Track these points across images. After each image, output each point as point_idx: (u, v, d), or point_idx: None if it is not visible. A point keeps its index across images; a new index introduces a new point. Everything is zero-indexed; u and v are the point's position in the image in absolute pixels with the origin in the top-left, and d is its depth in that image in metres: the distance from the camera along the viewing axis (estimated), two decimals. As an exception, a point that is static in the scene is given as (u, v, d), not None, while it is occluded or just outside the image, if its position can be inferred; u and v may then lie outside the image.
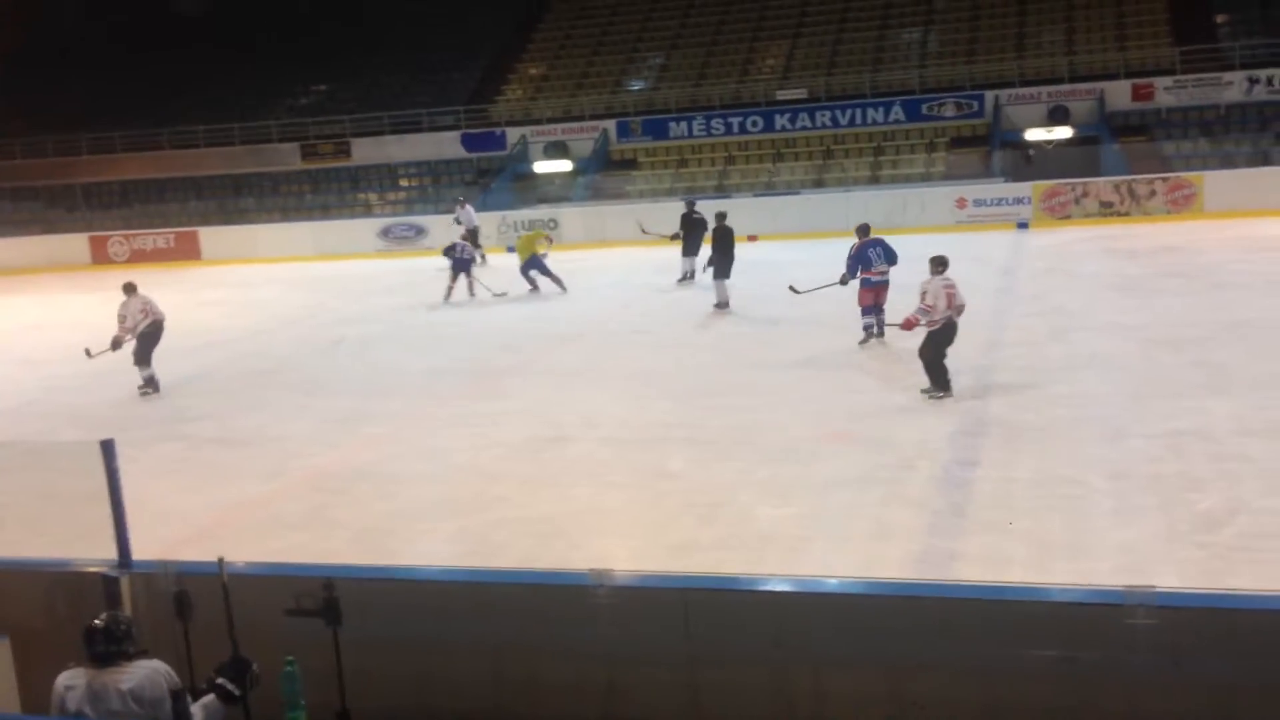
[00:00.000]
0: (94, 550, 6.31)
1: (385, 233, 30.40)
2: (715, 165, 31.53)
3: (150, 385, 14.65)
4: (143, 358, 14.63)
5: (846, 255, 14.94)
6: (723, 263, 18.09)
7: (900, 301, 13.56)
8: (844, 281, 14.81)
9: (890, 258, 14.66)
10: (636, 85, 34.64)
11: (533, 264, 20.88)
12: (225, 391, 14.90)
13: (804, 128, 31.58)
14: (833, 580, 6.08)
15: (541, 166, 32.72)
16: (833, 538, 8.37)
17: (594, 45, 36.61)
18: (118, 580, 5.95)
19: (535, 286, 20.97)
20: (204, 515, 9.79)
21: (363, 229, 30.51)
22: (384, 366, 15.84)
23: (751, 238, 25.11)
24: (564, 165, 32.44)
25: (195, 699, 4.74)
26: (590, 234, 27.97)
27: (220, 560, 5.46)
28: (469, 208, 27.21)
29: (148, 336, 14.65)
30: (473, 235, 26.35)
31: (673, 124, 32.52)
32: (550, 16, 38.14)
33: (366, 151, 34.46)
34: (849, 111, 31.32)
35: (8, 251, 31.88)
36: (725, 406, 12.23)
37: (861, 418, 11.39)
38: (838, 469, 9.81)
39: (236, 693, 4.73)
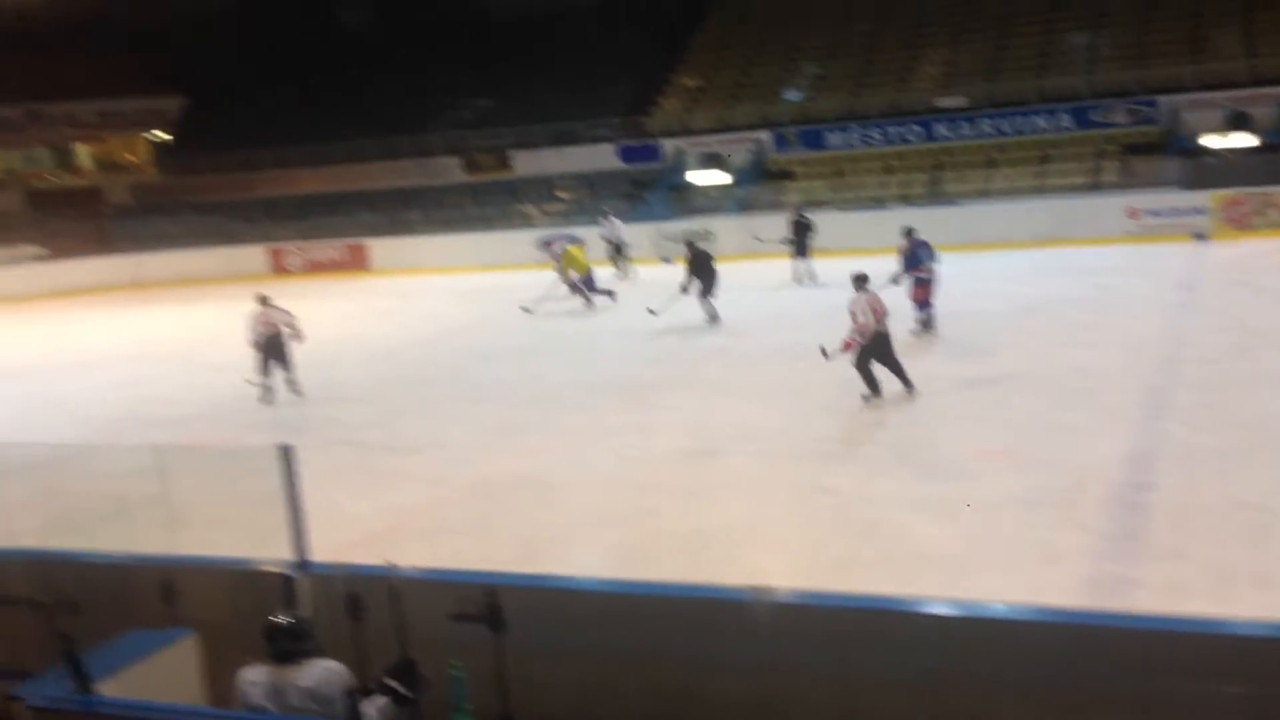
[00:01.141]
0: (273, 551, 6.59)
1: (544, 244, 30.93)
2: (873, 175, 31.10)
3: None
4: (265, 367, 15.32)
5: (899, 257, 16.45)
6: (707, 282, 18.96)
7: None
8: (896, 281, 16.11)
9: (935, 256, 16.35)
10: (793, 96, 34.43)
11: (590, 278, 22.01)
12: (393, 399, 15.39)
13: (965, 136, 30.86)
14: (998, 605, 5.91)
15: (697, 178, 32.82)
16: (997, 560, 8.14)
17: (750, 56, 36.55)
18: (295, 581, 6.19)
19: (590, 301, 21.95)
20: (373, 519, 10.13)
21: (522, 240, 31.13)
22: (542, 377, 16.12)
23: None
24: (720, 177, 32.47)
25: (366, 699, 4.90)
26: (745, 246, 27.89)
27: (389, 564, 5.65)
28: (615, 220, 27.47)
29: (269, 347, 15.28)
30: (619, 248, 26.70)
31: (830, 134, 32.19)
32: (706, 28, 38.25)
33: (526, 164, 35.17)
34: (1013, 119, 30.47)
35: (194, 262, 33.62)
36: (882, 421, 12.05)
37: (1027, 436, 11.06)
38: (1001, 488, 9.55)
39: (409, 694, 4.87)
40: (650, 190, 32.82)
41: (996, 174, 29.93)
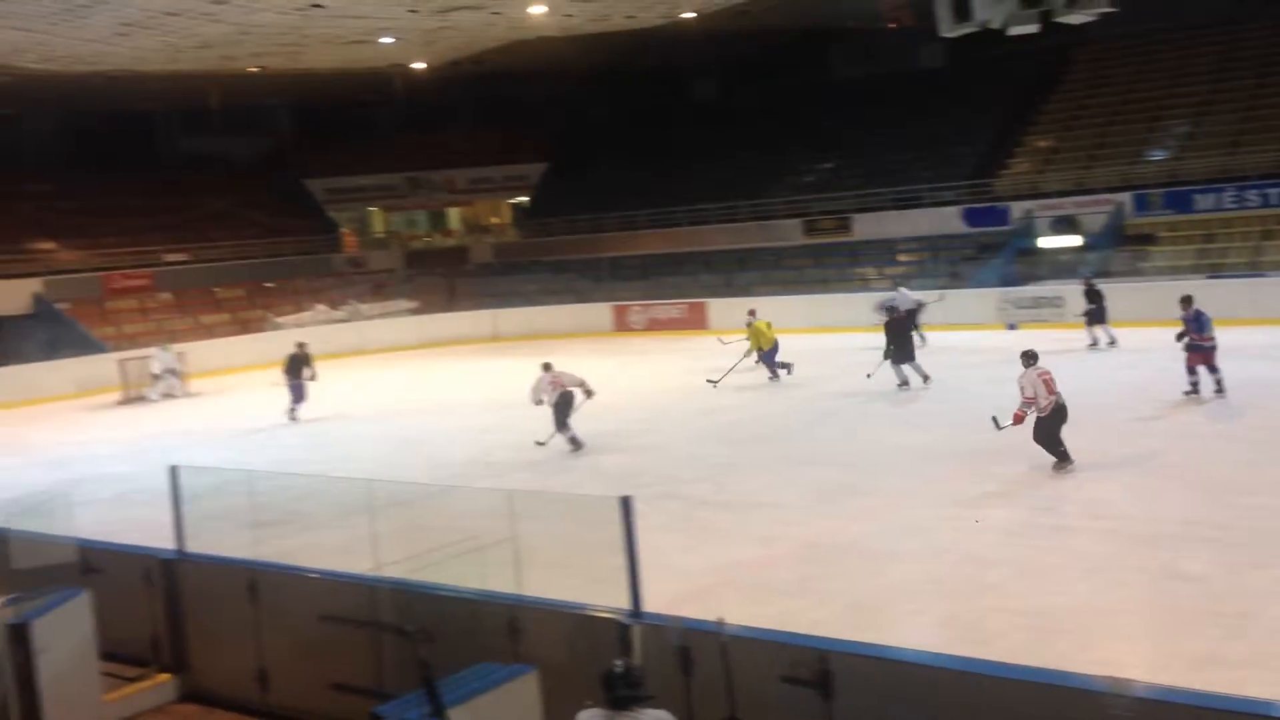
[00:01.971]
0: (608, 597, 6.81)
1: (883, 307, 30.57)
2: (1248, 240, 28.63)
3: (574, 444, 16.37)
4: (560, 423, 16.44)
5: (1184, 320, 16.85)
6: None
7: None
8: (1180, 339, 16.89)
9: (1211, 327, 16.65)
10: (1157, 155, 32.36)
11: (772, 352, 22.02)
12: (724, 456, 15.60)
13: (1359, 197, 27.87)
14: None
15: (1047, 242, 31.42)
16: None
17: (1110, 114, 34.74)
18: (630, 628, 6.36)
19: (775, 375, 21.88)
20: (701, 574, 10.26)
21: (860, 303, 30.90)
22: (876, 441, 15.85)
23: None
24: (1072, 240, 30.93)
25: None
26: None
27: (720, 621, 5.69)
28: (904, 290, 26.56)
29: (561, 405, 16.44)
30: (912, 314, 25.80)
31: (1199, 196, 29.96)
32: (1063, 86, 36.76)
33: (867, 227, 34.97)
34: None
35: (545, 318, 35.68)
36: (1259, 506, 10.96)
37: None
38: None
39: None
40: (996, 254, 31.74)
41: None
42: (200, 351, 29.73)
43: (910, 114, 37.41)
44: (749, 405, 19.76)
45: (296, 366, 22.02)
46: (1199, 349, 16.65)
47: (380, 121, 46.31)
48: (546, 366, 17.00)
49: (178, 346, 28.56)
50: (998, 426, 13.37)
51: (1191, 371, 16.76)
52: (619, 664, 5.06)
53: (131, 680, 8.51)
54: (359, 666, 7.33)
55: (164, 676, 8.55)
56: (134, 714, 8.16)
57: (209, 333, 33.81)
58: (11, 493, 15.31)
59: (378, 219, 47.16)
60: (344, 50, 33.28)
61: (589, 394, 16.59)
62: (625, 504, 6.55)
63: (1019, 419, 13.07)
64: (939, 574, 9.79)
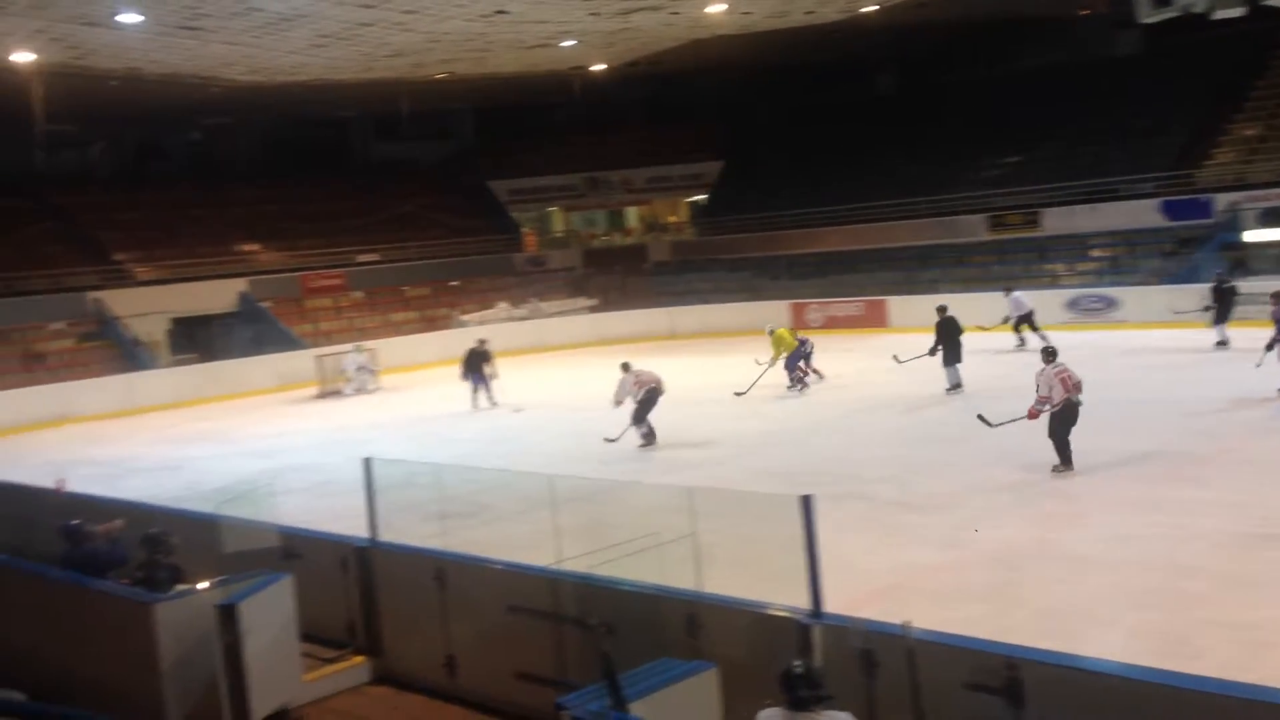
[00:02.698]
0: (786, 596, 6.75)
1: (1073, 304, 29.45)
2: None
3: (647, 439, 17.15)
4: (639, 419, 17.06)
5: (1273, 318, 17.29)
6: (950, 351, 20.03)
7: None
8: (1270, 347, 16.95)
9: None
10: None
11: (794, 358, 21.86)
12: (908, 456, 15.28)
13: None
14: None
15: (1254, 235, 29.63)
16: None
17: (1324, 99, 32.57)
18: (810, 629, 6.28)
19: (793, 383, 21.78)
20: (884, 576, 10.08)
21: (1049, 300, 29.82)
22: (1073, 444, 15.24)
23: None
24: (1281, 234, 29.11)
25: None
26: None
27: (906, 624, 5.57)
28: (1018, 294, 26.24)
29: (646, 403, 17.02)
30: (1027, 319, 25.65)
31: None
32: (1270, 72, 34.61)
33: (1056, 222, 33.67)
34: None
35: (721, 316, 35.67)
36: None
37: None
38: None
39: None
40: (1198, 248, 30.13)
41: None
42: (389, 348, 30.86)
43: (1105, 104, 35.85)
44: (932, 405, 19.30)
45: (476, 362, 22.97)
46: None
47: (559, 123, 47.15)
48: (625, 367, 17.57)
49: (369, 344, 29.73)
50: (988, 424, 14.33)
51: None
52: (799, 665, 5.00)
53: (329, 661, 8.89)
54: (542, 657, 7.48)
55: (359, 659, 8.90)
56: (331, 693, 8.53)
57: (397, 330, 35.09)
58: (221, 481, 16.25)
59: (557, 218, 48.05)
60: (527, 54, 34.02)
61: (662, 391, 17.27)
62: (806, 502, 6.48)
63: (1034, 414, 13.42)
64: (1139, 583, 9.36)
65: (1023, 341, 25.50)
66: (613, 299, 38.96)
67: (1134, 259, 31.35)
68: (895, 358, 21.67)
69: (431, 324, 35.96)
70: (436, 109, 43.90)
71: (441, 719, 8.01)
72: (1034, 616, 8.69)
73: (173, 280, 34.21)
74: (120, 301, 32.22)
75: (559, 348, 34.37)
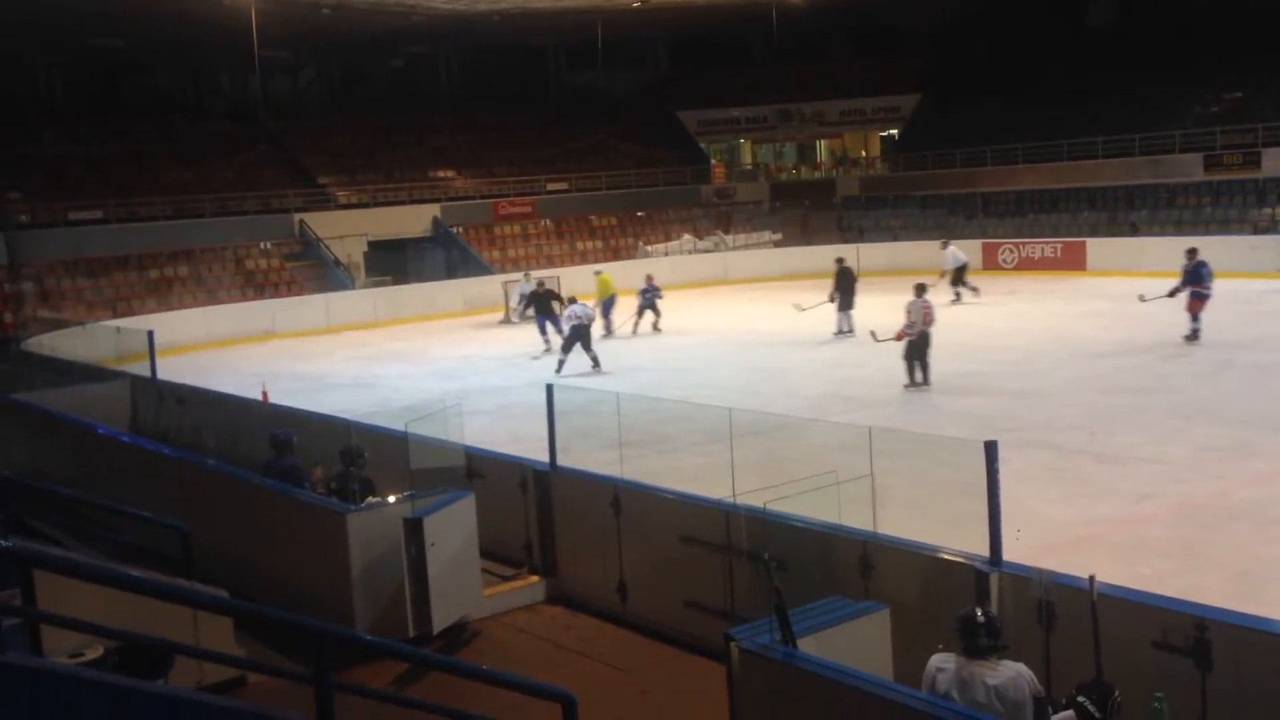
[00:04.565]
0: (963, 542, 6.60)
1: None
2: None
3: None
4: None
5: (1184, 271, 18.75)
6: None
7: None
8: (1173, 294, 18.95)
9: (1211, 276, 18.60)
10: None
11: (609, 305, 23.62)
12: (1098, 406, 14.68)
13: None
14: None
15: None
16: None
17: None
18: (989, 576, 6.15)
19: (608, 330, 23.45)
20: (1068, 527, 9.76)
21: (1270, 246, 27.97)
22: (1276, 398, 14.36)
23: None
24: None
25: (1054, 711, 4.73)
26: None
27: (1091, 578, 5.38)
28: (952, 248, 27.02)
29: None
30: (961, 273, 26.64)
31: None
32: None
33: (1279, 163, 31.42)
34: None
35: (912, 254, 34.77)
36: None
37: None
38: None
39: (1098, 715, 4.62)
40: None
41: None
42: (573, 277, 31.30)
43: (1341, 35, 33.08)
44: (1128, 353, 18.43)
45: (545, 303, 22.94)
46: (1199, 296, 18.50)
47: (754, 53, 46.45)
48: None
49: (538, 273, 29.67)
50: (875, 339, 17.95)
51: (1195, 318, 18.45)
52: (979, 613, 4.90)
53: (507, 579, 9.21)
54: (712, 588, 7.56)
55: (534, 578, 9.19)
56: (507, 610, 8.84)
57: (583, 259, 35.55)
58: (411, 399, 16.89)
59: (746, 151, 47.58)
60: (723, -20, 33.59)
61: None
62: (990, 449, 6.31)
63: (900, 336, 16.26)
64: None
65: (958, 296, 26.10)
66: (798, 234, 38.46)
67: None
68: (797, 306, 22.79)
69: (616, 254, 36.28)
70: (630, 38, 43.88)
71: (612, 642, 8.20)
72: (1227, 577, 8.29)
73: (371, 205, 35.50)
74: (322, 223, 33.64)
75: (743, 281, 34.19)
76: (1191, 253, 19.03)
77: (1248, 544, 9.13)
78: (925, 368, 16.03)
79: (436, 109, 42.03)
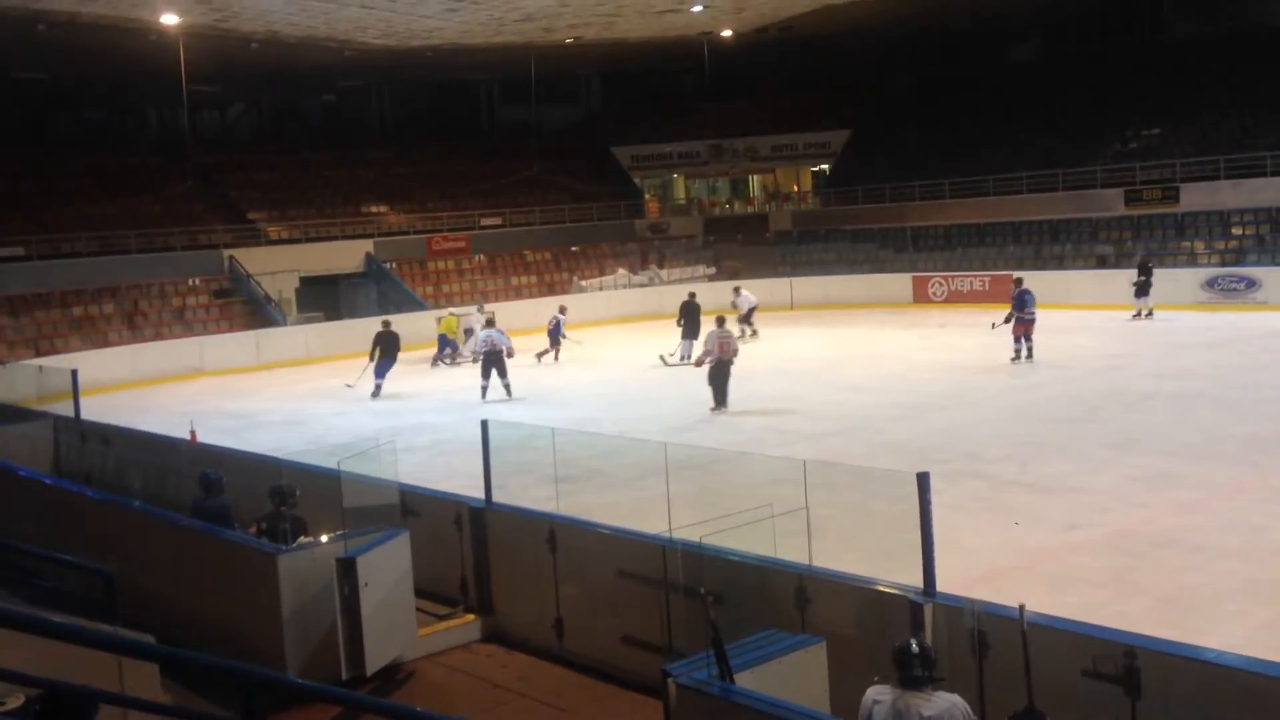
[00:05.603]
0: (897, 574, 6.66)
1: (1211, 283, 28.34)
2: None
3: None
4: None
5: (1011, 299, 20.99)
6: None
7: None
8: (1007, 320, 21.05)
9: (1034, 302, 20.88)
10: None
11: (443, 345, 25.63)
12: (1028, 436, 14.92)
13: None
14: None
15: None
16: None
17: None
18: (923, 607, 6.20)
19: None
20: (998, 557, 9.89)
21: (1185, 279, 28.73)
22: (1200, 428, 14.71)
23: None
24: None
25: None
26: None
27: (1021, 607, 5.45)
28: (744, 292, 29.00)
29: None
30: (749, 315, 28.45)
31: None
32: None
33: (1196, 198, 32.30)
34: None
35: (844, 287, 35.24)
36: None
37: None
38: None
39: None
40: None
41: None
42: (508, 311, 31.17)
43: (1255, 76, 34.23)
44: (1056, 384, 18.80)
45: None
46: (1024, 320, 20.72)
47: (686, 90, 46.87)
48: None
49: (490, 307, 29.86)
50: (664, 363, 22.52)
51: (1018, 340, 20.72)
52: (914, 644, 4.94)
53: (442, 618, 9.10)
54: (649, 623, 7.53)
55: (470, 616, 9.09)
56: (443, 649, 8.73)
57: (517, 294, 35.48)
58: (343, 437, 16.70)
59: (679, 185, 47.92)
60: (656, 19, 33.90)
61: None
62: (922, 480, 6.38)
63: (699, 362, 18.27)
64: (1266, 575, 9.01)
65: (745, 333, 27.44)
66: (731, 268, 38.74)
67: (1278, 238, 29.98)
68: (662, 359, 23.91)
69: (551, 289, 36.25)
70: (564, 74, 44.09)
71: (549, 680, 8.13)
72: (1155, 605, 8.44)
73: (303, 241, 35.15)
74: (252, 259, 33.18)
75: (676, 315, 34.28)
76: (1017, 282, 21.31)
77: (1173, 572, 9.31)
78: (723, 393, 17.59)
79: (369, 143, 41.81)
